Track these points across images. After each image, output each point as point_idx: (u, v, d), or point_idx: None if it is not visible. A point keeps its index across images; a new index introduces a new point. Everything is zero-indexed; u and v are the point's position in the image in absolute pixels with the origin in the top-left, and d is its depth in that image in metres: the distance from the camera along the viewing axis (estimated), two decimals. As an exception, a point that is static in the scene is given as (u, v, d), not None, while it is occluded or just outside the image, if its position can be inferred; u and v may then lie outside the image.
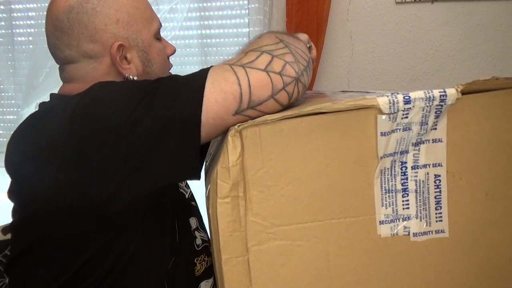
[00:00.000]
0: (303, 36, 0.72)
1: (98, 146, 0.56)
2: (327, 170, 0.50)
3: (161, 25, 0.73)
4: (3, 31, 1.58)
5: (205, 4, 1.43)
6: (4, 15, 1.57)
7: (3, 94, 1.65)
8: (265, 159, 0.50)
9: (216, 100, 0.57)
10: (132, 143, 0.56)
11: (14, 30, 1.56)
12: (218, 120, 0.57)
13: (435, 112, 0.49)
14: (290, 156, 0.50)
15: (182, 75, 0.64)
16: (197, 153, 0.58)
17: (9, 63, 1.59)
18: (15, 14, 1.57)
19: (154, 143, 0.56)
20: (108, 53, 0.65)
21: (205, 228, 0.80)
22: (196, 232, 0.78)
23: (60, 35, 0.66)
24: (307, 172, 0.50)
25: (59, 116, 0.60)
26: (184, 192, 0.84)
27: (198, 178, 0.62)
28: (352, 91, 0.67)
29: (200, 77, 0.60)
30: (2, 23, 1.59)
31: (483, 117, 0.50)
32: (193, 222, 0.80)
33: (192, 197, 0.85)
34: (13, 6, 1.56)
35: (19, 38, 1.57)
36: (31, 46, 1.54)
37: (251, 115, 0.57)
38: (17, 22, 1.58)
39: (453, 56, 1.49)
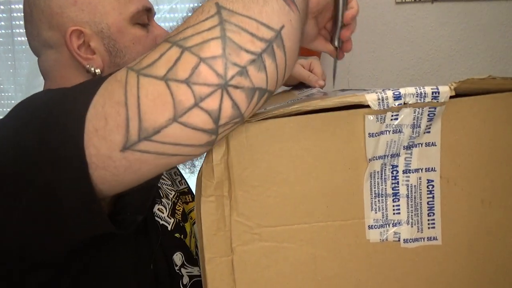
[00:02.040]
0: None
1: None
2: (315, 172, 0.46)
3: (148, 9, 0.60)
4: (3, 31, 1.54)
5: (205, 4, 1.39)
6: (4, 15, 1.54)
7: (3, 94, 1.61)
8: (251, 159, 0.46)
9: (96, 129, 0.37)
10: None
11: (14, 30, 1.53)
12: (103, 159, 0.37)
13: (428, 115, 0.44)
14: (277, 156, 0.46)
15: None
16: (95, 210, 0.39)
17: (9, 63, 1.55)
18: (15, 14, 1.53)
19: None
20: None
21: (195, 260, 0.67)
22: (182, 270, 0.64)
23: (25, 25, 0.57)
24: (295, 173, 0.46)
25: None
26: (167, 224, 0.66)
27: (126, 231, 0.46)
28: (351, 89, 0.62)
29: (90, 90, 0.39)
30: (2, 23, 1.55)
31: (480, 121, 0.45)
32: (177, 258, 0.64)
33: (177, 228, 0.67)
34: (13, 6, 1.52)
35: (19, 38, 1.53)
36: (31, 45, 1.50)
37: (151, 150, 0.37)
38: (17, 22, 1.54)
39: (453, 56, 1.44)
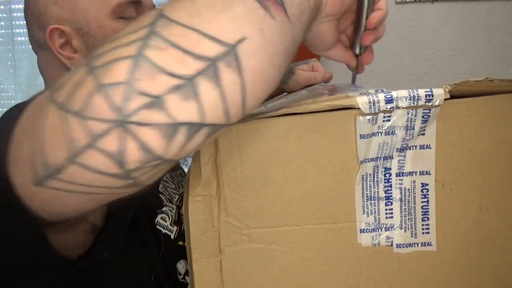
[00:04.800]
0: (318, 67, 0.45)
1: None
2: (305, 173, 0.42)
3: (134, 1, 0.54)
4: (3, 31, 1.50)
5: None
6: (4, 15, 1.50)
7: (3, 94, 1.57)
8: (240, 159, 0.43)
9: (14, 158, 0.31)
10: None
11: (14, 30, 1.49)
12: (25, 191, 0.31)
13: (422, 117, 0.40)
14: (266, 157, 0.42)
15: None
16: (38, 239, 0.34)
17: (9, 63, 1.51)
18: (15, 14, 1.49)
19: None
20: None
21: None
22: (186, 278, 0.60)
23: (26, 26, 0.55)
24: (284, 174, 0.42)
25: None
26: (170, 233, 0.61)
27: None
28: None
29: (16, 114, 0.33)
30: (2, 23, 1.51)
31: (478, 124, 0.41)
32: (181, 266, 0.60)
33: (180, 235, 0.62)
34: (13, 6, 1.48)
35: (19, 38, 1.49)
36: (31, 46, 1.47)
37: (62, 188, 0.30)
38: (17, 22, 1.50)
39: (453, 56, 1.39)
